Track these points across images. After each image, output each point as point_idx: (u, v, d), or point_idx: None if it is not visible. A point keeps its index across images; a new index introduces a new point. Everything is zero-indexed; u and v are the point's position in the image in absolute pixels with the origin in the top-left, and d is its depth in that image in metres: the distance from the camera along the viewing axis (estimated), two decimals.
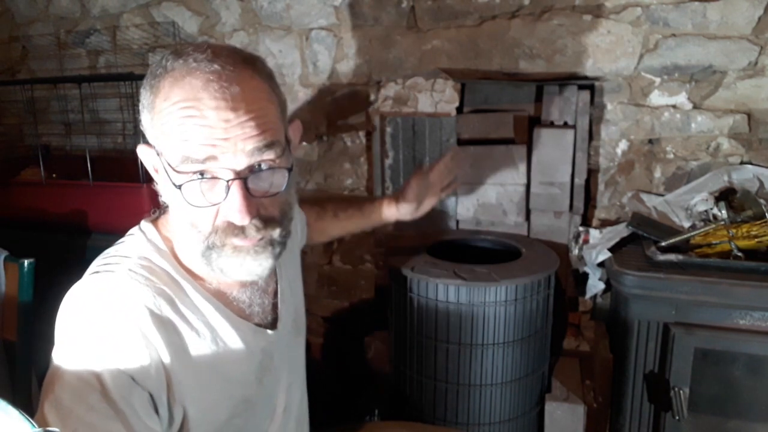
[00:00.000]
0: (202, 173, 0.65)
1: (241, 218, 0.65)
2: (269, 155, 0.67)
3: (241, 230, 0.68)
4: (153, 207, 0.79)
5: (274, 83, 0.71)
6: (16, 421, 0.50)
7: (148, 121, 0.69)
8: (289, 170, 0.70)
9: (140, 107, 0.70)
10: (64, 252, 1.56)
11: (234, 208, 0.65)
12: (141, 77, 0.71)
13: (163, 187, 0.72)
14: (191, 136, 0.63)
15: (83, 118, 1.99)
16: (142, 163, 0.73)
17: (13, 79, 2.23)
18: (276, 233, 0.71)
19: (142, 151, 0.72)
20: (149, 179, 0.75)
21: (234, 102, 0.64)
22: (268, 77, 0.70)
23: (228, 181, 0.65)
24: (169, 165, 0.66)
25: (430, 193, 1.26)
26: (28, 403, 1.26)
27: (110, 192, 1.56)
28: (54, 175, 1.79)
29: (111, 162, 1.88)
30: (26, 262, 1.21)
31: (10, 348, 1.24)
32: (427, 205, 1.26)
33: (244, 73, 0.66)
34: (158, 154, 0.68)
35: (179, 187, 0.65)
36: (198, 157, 0.64)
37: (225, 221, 0.67)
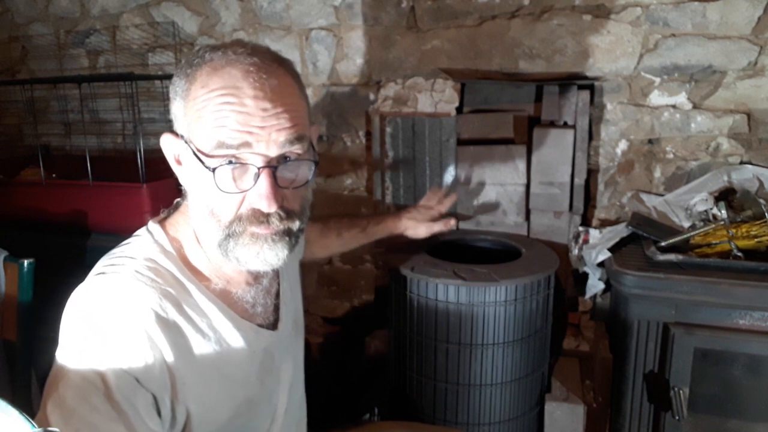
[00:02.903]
0: (234, 159, 0.67)
1: (268, 205, 0.67)
2: (298, 148, 0.69)
3: (265, 218, 0.69)
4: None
5: (301, 84, 0.74)
6: (16, 421, 0.51)
7: (180, 109, 0.71)
8: (315, 163, 0.72)
9: (172, 96, 0.72)
10: (64, 252, 1.56)
11: (263, 194, 0.67)
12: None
13: (187, 175, 0.73)
14: (228, 123, 0.66)
15: (83, 118, 1.99)
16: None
17: (13, 79, 2.23)
18: (295, 225, 0.73)
19: (166, 140, 0.73)
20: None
21: (272, 93, 0.67)
22: (297, 78, 0.73)
23: (259, 169, 0.67)
24: (200, 152, 0.68)
25: (429, 216, 1.39)
26: (28, 403, 1.26)
27: (110, 192, 1.56)
28: (54, 175, 1.78)
29: (111, 162, 1.88)
30: (26, 262, 1.21)
31: (10, 348, 1.24)
32: (423, 229, 1.37)
33: (278, 69, 0.70)
34: (187, 143, 0.70)
35: (213, 170, 0.66)
36: (233, 143, 0.66)
37: (249, 209, 0.69)
